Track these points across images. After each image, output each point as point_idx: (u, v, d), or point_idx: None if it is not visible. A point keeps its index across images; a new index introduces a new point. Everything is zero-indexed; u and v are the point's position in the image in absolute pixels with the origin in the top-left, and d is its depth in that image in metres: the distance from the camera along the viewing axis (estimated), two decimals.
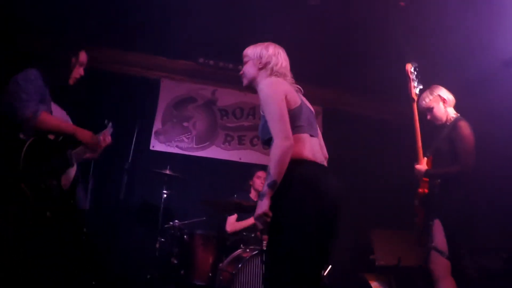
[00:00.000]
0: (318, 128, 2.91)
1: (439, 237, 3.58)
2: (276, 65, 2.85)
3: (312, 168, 2.57)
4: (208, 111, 6.88)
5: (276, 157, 2.42)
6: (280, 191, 2.43)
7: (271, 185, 2.39)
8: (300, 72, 6.74)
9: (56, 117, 3.20)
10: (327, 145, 6.88)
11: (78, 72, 3.38)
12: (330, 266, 5.20)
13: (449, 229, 3.56)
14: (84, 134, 3.22)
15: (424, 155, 3.85)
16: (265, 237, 5.19)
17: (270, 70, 2.84)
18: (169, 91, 6.72)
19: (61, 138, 3.18)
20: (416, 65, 4.10)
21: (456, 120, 3.83)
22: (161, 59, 6.67)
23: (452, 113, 3.93)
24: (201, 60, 6.74)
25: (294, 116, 2.61)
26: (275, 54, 2.90)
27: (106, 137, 3.57)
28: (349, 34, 5.72)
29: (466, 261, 4.05)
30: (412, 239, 5.26)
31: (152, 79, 6.66)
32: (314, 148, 2.67)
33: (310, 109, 2.87)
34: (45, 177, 2.99)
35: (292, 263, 2.40)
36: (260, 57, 2.90)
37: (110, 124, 3.73)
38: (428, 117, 3.98)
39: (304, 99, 2.87)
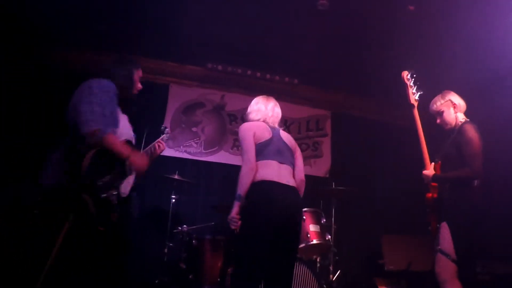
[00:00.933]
0: (294, 157, 3.71)
1: (445, 240, 3.55)
2: (251, 113, 3.85)
3: (269, 186, 3.35)
4: (216, 116, 6.89)
5: (240, 176, 3.39)
6: (244, 203, 3.33)
7: (237, 197, 3.35)
8: (309, 76, 6.81)
9: (118, 140, 3.14)
10: (336, 149, 6.92)
11: (138, 85, 3.51)
12: (339, 271, 5.19)
13: (456, 232, 3.52)
14: (135, 160, 3.14)
15: (433, 161, 3.83)
16: None
17: (249, 118, 3.85)
18: (177, 96, 6.74)
19: None
20: (413, 71, 4.09)
21: (462, 124, 3.81)
22: (170, 64, 6.71)
23: (461, 118, 3.90)
24: (209, 65, 6.78)
25: (262, 147, 3.50)
26: (254, 106, 3.94)
27: (161, 144, 3.71)
28: (358, 37, 5.72)
29: (477, 265, 4.03)
30: (422, 244, 5.26)
31: (160, 85, 6.68)
32: (279, 171, 3.47)
33: (284, 141, 3.68)
34: (106, 188, 2.97)
35: (242, 258, 3.35)
36: (247, 109, 3.99)
37: (167, 130, 3.93)
38: (438, 121, 3.96)
39: (280, 134, 3.72)
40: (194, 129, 6.71)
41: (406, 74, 4.08)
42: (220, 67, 6.82)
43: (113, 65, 3.43)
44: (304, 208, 4.97)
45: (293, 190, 3.49)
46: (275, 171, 3.44)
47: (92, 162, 2.89)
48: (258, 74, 7.00)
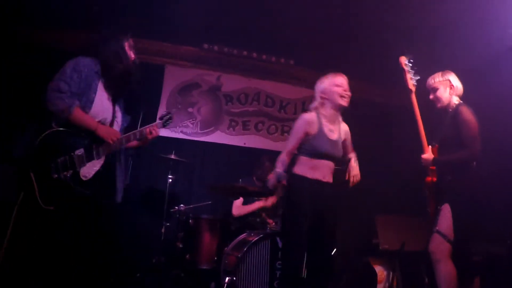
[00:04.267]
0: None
1: (444, 221, 3.59)
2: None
3: (302, 183, 3.66)
4: (212, 97, 6.88)
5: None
6: (285, 195, 3.78)
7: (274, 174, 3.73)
8: (305, 57, 6.78)
9: (85, 114, 3.22)
10: None
11: (131, 54, 3.54)
12: (334, 249, 5.25)
13: (458, 214, 3.56)
14: (103, 132, 3.25)
15: (430, 144, 3.84)
16: (270, 220, 5.25)
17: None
18: (173, 77, 6.71)
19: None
20: (411, 56, 4.08)
21: (457, 106, 3.81)
22: (166, 45, 6.66)
23: (455, 100, 3.91)
24: (205, 45, 6.74)
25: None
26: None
27: (152, 129, 3.62)
28: (355, 18, 5.69)
29: (471, 246, 4.10)
30: (416, 224, 5.31)
31: (156, 65, 6.63)
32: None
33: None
34: (59, 168, 3.07)
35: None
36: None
37: (168, 117, 3.83)
38: (431, 96, 3.96)
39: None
40: (190, 109, 6.70)
41: (404, 60, 4.07)
42: (216, 48, 6.78)
43: (100, 42, 3.48)
44: None
45: (326, 186, 3.81)
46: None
47: (46, 142, 3.06)
48: (254, 55, 6.96)
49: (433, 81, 3.96)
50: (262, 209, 5.50)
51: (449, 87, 3.90)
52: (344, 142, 3.88)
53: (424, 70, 4.06)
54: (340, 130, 3.85)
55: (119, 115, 3.57)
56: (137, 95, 3.84)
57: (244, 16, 5.89)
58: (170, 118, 3.87)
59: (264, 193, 5.18)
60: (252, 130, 6.96)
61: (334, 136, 3.75)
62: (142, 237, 5.69)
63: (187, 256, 5.17)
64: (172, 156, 5.58)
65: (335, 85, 3.75)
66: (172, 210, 5.43)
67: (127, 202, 5.41)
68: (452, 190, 3.64)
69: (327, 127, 3.73)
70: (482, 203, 3.69)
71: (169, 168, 5.63)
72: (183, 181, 6.09)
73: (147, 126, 3.61)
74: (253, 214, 5.49)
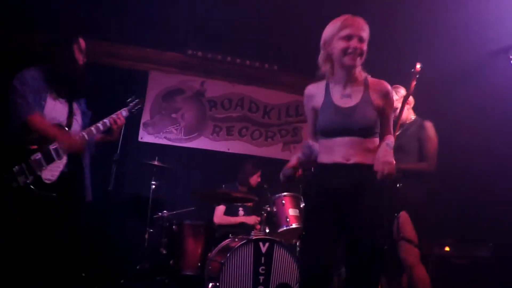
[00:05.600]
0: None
1: (407, 227, 3.74)
2: None
3: (316, 170, 2.86)
4: (196, 103, 6.90)
5: None
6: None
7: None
8: (289, 62, 6.75)
9: (44, 120, 3.25)
10: None
11: (81, 58, 3.50)
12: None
13: (416, 219, 3.75)
14: (63, 140, 3.26)
15: None
16: (258, 226, 5.26)
17: None
18: (157, 83, 6.72)
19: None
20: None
21: (422, 121, 4.00)
22: (150, 51, 6.67)
23: (411, 114, 4.05)
24: (189, 51, 6.75)
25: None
26: None
27: (117, 118, 3.54)
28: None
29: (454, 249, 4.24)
30: None
31: (140, 71, 6.65)
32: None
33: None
34: (16, 177, 3.08)
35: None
36: None
37: (135, 103, 3.75)
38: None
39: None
40: (173, 115, 6.72)
41: (419, 66, 3.87)
42: (200, 54, 6.79)
43: (46, 47, 3.47)
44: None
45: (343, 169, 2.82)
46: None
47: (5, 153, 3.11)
48: (238, 61, 6.98)
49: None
50: (243, 224, 5.52)
51: (407, 103, 3.97)
52: (378, 108, 2.75)
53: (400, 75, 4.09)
54: (364, 93, 2.77)
55: (78, 113, 3.52)
56: (121, 101, 3.80)
57: (228, 21, 5.89)
58: (137, 104, 3.79)
59: (248, 199, 5.20)
60: (236, 136, 6.98)
61: (350, 102, 2.74)
62: (126, 243, 5.68)
63: (171, 262, 5.14)
64: (156, 162, 5.58)
65: (339, 37, 2.72)
66: (155, 216, 5.43)
67: (111, 208, 5.46)
68: (406, 197, 3.75)
69: (339, 93, 2.78)
70: (434, 206, 3.94)
71: (152, 175, 5.63)
72: (167, 187, 6.09)
73: (109, 117, 3.52)
74: (236, 226, 5.50)
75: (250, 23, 5.93)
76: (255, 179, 5.90)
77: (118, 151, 5.23)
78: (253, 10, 5.62)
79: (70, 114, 3.44)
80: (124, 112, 3.65)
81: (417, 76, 3.94)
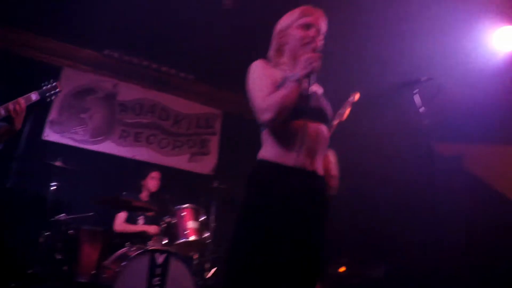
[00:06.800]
0: None
1: None
2: None
3: (270, 174, 2.37)
4: (107, 104, 6.80)
5: None
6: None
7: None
8: (205, 74, 6.82)
9: None
10: (223, 148, 7.02)
11: None
12: (215, 269, 5.41)
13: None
14: None
15: None
16: (155, 237, 5.30)
17: None
18: (70, 80, 6.54)
19: None
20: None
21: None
22: (66, 45, 6.51)
23: None
24: (106, 51, 6.66)
25: None
26: None
27: (16, 104, 3.29)
28: (260, 39, 5.82)
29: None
30: None
31: (54, 66, 6.46)
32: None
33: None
34: None
35: None
36: None
37: (50, 86, 3.58)
38: None
39: None
40: (82, 115, 6.58)
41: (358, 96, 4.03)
42: (116, 54, 6.72)
43: None
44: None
45: None
46: None
47: None
48: (154, 66, 6.96)
49: None
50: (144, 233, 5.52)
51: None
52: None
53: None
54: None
55: None
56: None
57: (149, 26, 5.88)
58: (53, 88, 3.59)
59: (148, 208, 5.23)
60: (143, 143, 6.94)
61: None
62: (19, 245, 5.47)
63: (65, 268, 5.07)
64: (58, 163, 5.45)
65: (298, 25, 2.50)
66: (52, 219, 5.29)
67: (7, 207, 5.29)
68: None
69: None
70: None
71: (54, 175, 5.48)
72: (68, 190, 5.94)
73: (7, 103, 3.28)
74: (136, 235, 5.46)
75: (171, 31, 5.97)
76: (149, 182, 5.85)
77: (20, 148, 5.10)
78: (175, 19, 5.69)
79: None
80: (34, 96, 3.45)
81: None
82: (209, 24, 5.78)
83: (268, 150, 2.35)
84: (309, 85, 2.28)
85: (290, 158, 2.25)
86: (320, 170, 2.35)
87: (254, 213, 2.23)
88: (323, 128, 2.37)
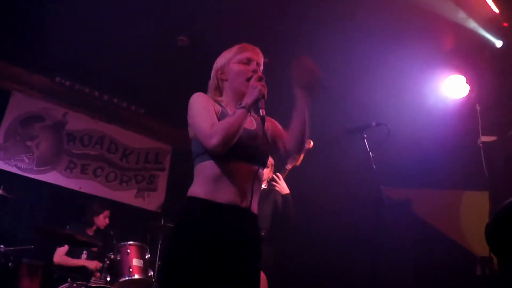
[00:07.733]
0: None
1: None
2: None
3: (196, 212, 2.31)
4: (55, 133, 6.60)
5: None
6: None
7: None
8: (156, 109, 6.80)
9: None
10: (171, 185, 6.98)
11: None
12: None
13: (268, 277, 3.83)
14: None
15: None
16: (97, 273, 5.17)
17: None
18: (18, 105, 6.32)
19: None
20: None
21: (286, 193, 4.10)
22: (17, 69, 6.31)
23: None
24: (57, 78, 6.50)
25: None
26: None
27: None
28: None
29: None
30: None
31: (3, 89, 6.25)
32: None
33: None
34: None
35: None
36: None
37: None
38: None
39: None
40: (28, 143, 6.34)
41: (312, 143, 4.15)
42: (68, 83, 6.56)
43: None
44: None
45: None
46: None
47: None
48: (106, 97, 6.86)
49: None
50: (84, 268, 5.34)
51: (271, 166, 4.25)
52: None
53: None
54: (257, 121, 2.47)
55: None
56: None
57: (102, 58, 5.84)
58: None
59: (92, 243, 5.10)
60: (90, 175, 6.78)
61: (252, 126, 2.43)
62: None
63: None
64: (0, 191, 5.23)
65: (237, 60, 2.48)
66: None
67: None
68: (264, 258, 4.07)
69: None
70: None
71: None
72: (9, 220, 5.70)
73: None
74: (77, 269, 5.28)
75: (123, 64, 5.94)
76: (102, 220, 5.71)
77: None
78: (128, 53, 5.71)
79: None
80: None
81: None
82: (162, 60, 5.84)
83: (199, 187, 2.28)
84: (259, 112, 2.25)
85: (221, 196, 2.20)
86: (254, 209, 2.30)
87: (182, 250, 2.16)
88: (256, 168, 2.30)
